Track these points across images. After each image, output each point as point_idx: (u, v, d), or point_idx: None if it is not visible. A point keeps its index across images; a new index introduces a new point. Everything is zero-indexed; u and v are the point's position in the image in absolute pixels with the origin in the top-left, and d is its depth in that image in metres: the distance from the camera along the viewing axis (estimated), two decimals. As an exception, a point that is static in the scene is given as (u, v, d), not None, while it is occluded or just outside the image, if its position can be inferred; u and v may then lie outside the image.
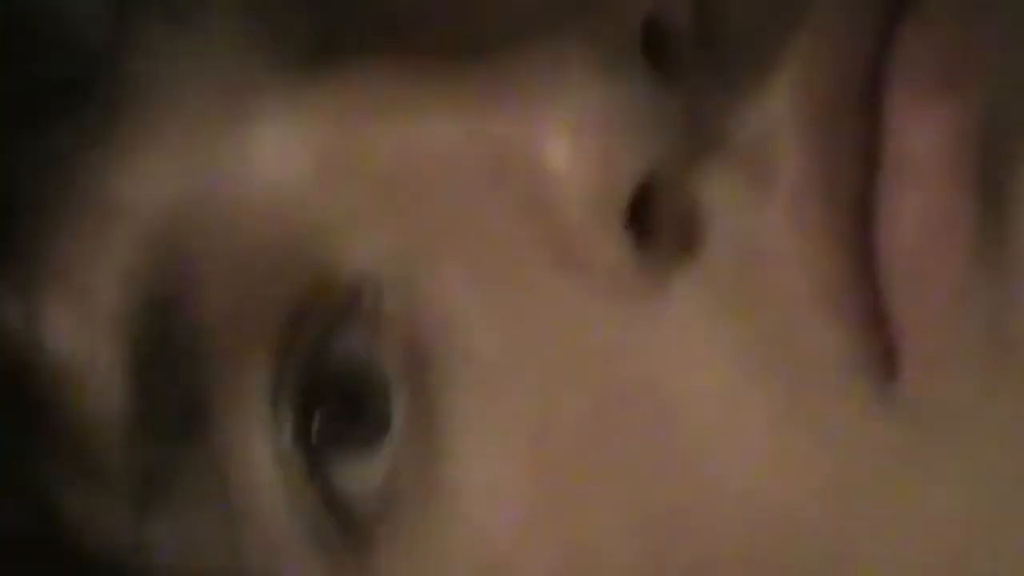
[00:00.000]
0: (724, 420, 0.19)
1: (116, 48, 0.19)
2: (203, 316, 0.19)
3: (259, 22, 0.20)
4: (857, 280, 0.18)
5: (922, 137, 0.18)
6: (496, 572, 0.19)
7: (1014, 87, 0.19)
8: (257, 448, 0.20)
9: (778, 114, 0.18)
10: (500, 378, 0.19)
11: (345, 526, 0.20)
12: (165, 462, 0.19)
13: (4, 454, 0.19)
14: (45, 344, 0.19)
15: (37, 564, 0.19)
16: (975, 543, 0.19)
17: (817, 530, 0.19)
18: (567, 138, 0.18)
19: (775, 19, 0.19)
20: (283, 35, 0.20)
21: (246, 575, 0.20)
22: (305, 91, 0.19)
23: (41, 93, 0.19)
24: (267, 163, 0.19)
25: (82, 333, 0.19)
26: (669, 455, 0.19)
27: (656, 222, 0.18)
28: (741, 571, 0.19)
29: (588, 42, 0.18)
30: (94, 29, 0.19)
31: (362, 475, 0.20)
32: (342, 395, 0.20)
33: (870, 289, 0.18)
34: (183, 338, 0.19)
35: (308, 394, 0.20)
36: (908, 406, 0.19)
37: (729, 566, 0.20)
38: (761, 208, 0.18)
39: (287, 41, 0.19)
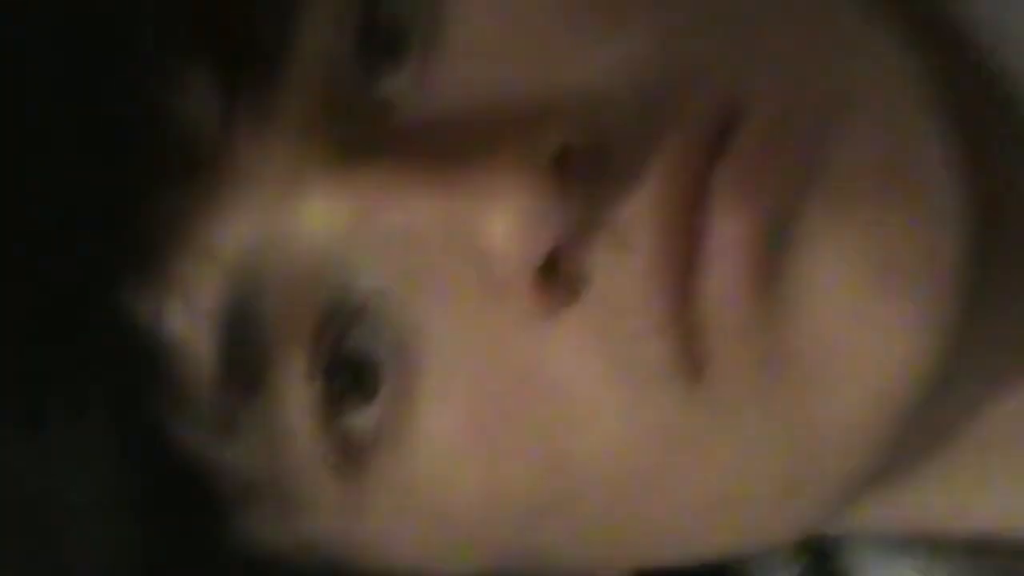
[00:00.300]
0: (591, 401, 0.29)
1: (221, 140, 0.29)
2: (266, 316, 0.29)
3: (311, 126, 0.30)
4: (680, 317, 0.28)
5: (729, 228, 0.28)
6: (444, 486, 0.30)
7: (793, 200, 0.28)
8: (296, 400, 0.29)
9: (639, 209, 0.28)
10: (451, 367, 0.29)
11: (348, 454, 0.30)
12: (237, 408, 0.30)
13: (138, 403, 0.29)
14: (167, 330, 0.29)
15: (159, 477, 0.29)
16: (739, 485, 0.29)
17: (646, 471, 0.29)
18: (502, 226, 0.27)
19: (640, 147, 0.28)
20: (324, 136, 0.30)
21: (284, 485, 0.31)
22: (335, 178, 0.29)
23: (172, 170, 0.29)
24: (313, 220, 0.29)
25: (190, 325, 0.29)
26: (556, 423, 0.29)
27: (556, 276, 0.28)
28: (601, 495, 0.30)
29: (519, 164, 0.27)
30: (209, 128, 0.29)
31: (360, 421, 0.30)
32: (351, 369, 0.30)
33: (688, 323, 0.28)
34: (253, 330, 0.29)
35: (330, 368, 0.30)
36: (708, 400, 0.28)
37: (595, 493, 0.30)
38: (625, 268, 0.28)
39: (326, 141, 0.29)
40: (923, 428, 0.32)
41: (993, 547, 0.36)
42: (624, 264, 0.28)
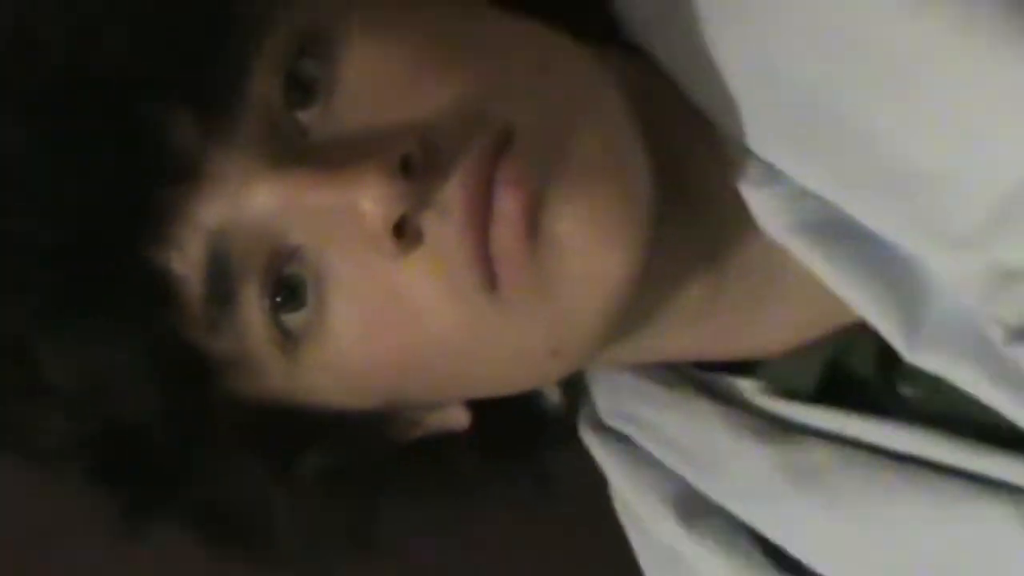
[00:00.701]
0: (429, 304, 0.47)
1: (201, 154, 0.46)
2: (232, 260, 0.47)
3: (257, 144, 0.48)
4: (480, 254, 0.46)
5: (505, 203, 0.46)
6: (345, 358, 0.48)
7: (544, 183, 0.46)
8: (254, 309, 0.48)
9: (452, 193, 0.45)
10: (346, 286, 0.47)
11: (288, 340, 0.48)
12: (219, 316, 0.48)
13: (159, 315, 0.48)
14: (174, 271, 0.47)
15: (177, 358, 0.48)
16: (521, 350, 0.48)
17: (466, 344, 0.48)
18: (369, 203, 0.45)
19: (453, 156, 0.45)
20: (264, 150, 0.48)
21: (250, 361, 0.49)
22: (271, 178, 0.46)
23: (171, 173, 0.46)
24: (259, 203, 0.46)
25: (188, 268, 0.47)
26: (410, 318, 0.47)
27: (404, 231, 0.46)
28: (440, 359, 0.49)
29: (378, 167, 0.45)
30: (195, 146, 0.46)
31: (294, 320, 0.48)
32: (287, 289, 0.48)
33: (485, 258, 0.46)
34: (225, 269, 0.47)
35: (274, 288, 0.48)
36: (500, 301, 0.47)
37: (437, 358, 0.49)
38: (446, 227, 0.46)
39: (266, 153, 0.47)
40: (639, 304, 0.51)
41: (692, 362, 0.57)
42: (445, 224, 0.46)
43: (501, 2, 0.52)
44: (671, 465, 0.57)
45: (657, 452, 0.57)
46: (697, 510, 0.56)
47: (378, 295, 0.48)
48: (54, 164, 0.46)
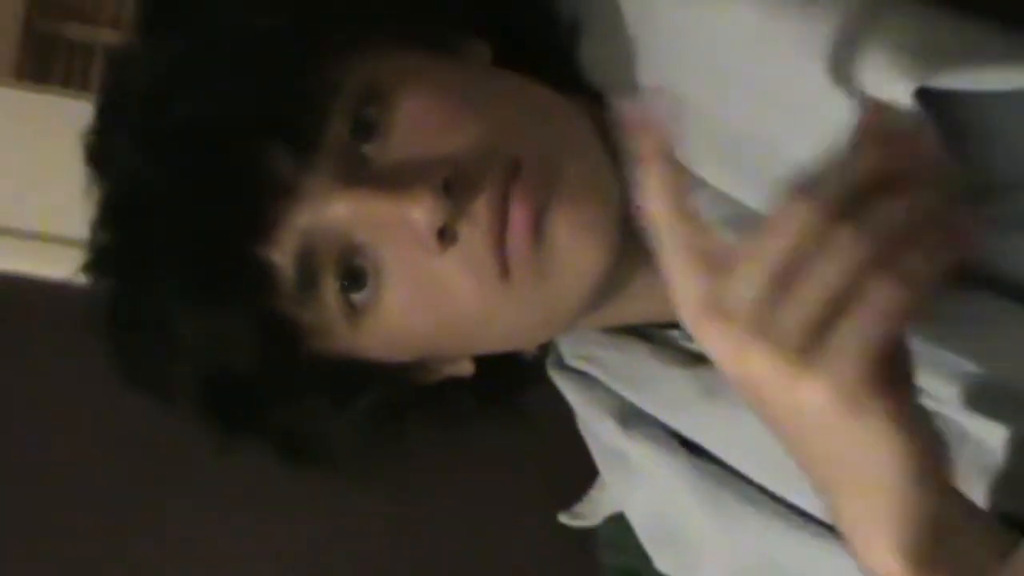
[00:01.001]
0: (462, 288, 0.65)
1: (295, 179, 0.64)
2: (315, 255, 0.65)
3: (333, 170, 0.65)
4: (498, 252, 0.64)
5: (517, 215, 0.64)
6: (395, 326, 0.67)
7: (547, 198, 0.64)
8: (330, 290, 0.66)
9: (479, 207, 0.64)
10: (398, 275, 0.65)
11: (353, 313, 0.66)
12: (305, 297, 0.65)
13: (264, 294, 0.66)
14: (275, 264, 0.64)
15: (278, 325, 0.66)
16: (521, 323, 0.68)
17: (487, 317, 0.66)
18: (419, 213, 0.63)
19: (480, 181, 0.64)
20: (339, 175, 0.65)
21: (327, 328, 0.67)
22: (344, 196, 0.64)
23: (275, 193, 0.64)
24: (335, 213, 0.64)
25: (284, 261, 0.64)
26: (447, 300, 0.66)
27: (445, 233, 0.63)
28: (468, 327, 0.67)
29: (424, 188, 0.63)
30: (291, 173, 0.64)
31: (358, 298, 0.66)
32: (353, 276, 0.66)
33: (502, 255, 0.64)
34: (310, 262, 0.65)
35: (343, 274, 0.66)
36: (510, 286, 0.65)
37: (466, 327, 0.67)
38: (476, 232, 0.64)
39: (340, 177, 0.65)
40: (610, 286, 0.69)
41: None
42: (474, 230, 0.64)
43: (504, 64, 0.71)
44: (615, 389, 0.75)
45: (605, 380, 0.76)
46: (635, 420, 0.74)
47: (421, 280, 0.66)
48: (191, 188, 0.65)
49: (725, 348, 0.50)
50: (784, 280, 0.48)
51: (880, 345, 0.48)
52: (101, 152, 0.69)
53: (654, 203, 0.52)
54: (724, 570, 0.72)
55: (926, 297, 0.48)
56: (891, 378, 0.50)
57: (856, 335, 0.48)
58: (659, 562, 0.76)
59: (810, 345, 0.48)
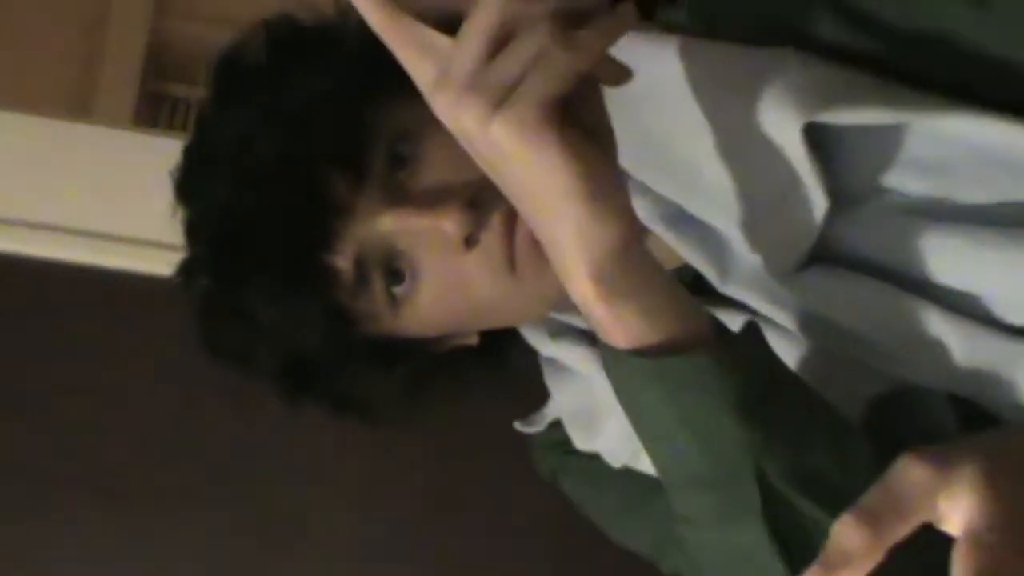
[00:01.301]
0: (481, 281, 0.85)
1: (351, 200, 0.85)
2: (368, 260, 0.85)
3: (378, 193, 0.86)
4: (507, 252, 0.84)
5: (522, 226, 0.85)
6: (428, 311, 0.87)
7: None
8: (378, 285, 0.86)
9: (495, 222, 0.84)
10: (431, 272, 0.86)
11: (394, 302, 0.87)
12: (359, 291, 0.86)
13: (328, 289, 0.88)
14: (339, 267, 0.85)
15: (338, 313, 0.87)
16: (526, 307, 0.90)
17: (498, 302, 0.87)
18: (450, 225, 0.83)
19: (492, 199, 0.83)
20: (383, 197, 0.87)
21: (375, 315, 0.88)
22: (388, 213, 0.85)
23: (336, 212, 0.85)
24: (381, 227, 0.84)
25: (345, 266, 0.84)
26: (470, 291, 0.86)
27: (470, 240, 0.84)
28: (486, 311, 0.89)
29: (454, 206, 0.83)
30: (348, 196, 0.85)
31: (399, 290, 0.86)
32: (394, 273, 0.86)
33: (510, 254, 0.84)
34: (364, 265, 0.86)
35: (386, 273, 0.86)
36: (517, 280, 0.85)
37: (484, 311, 0.89)
38: (492, 237, 0.84)
39: (384, 199, 0.86)
40: None
41: None
42: (491, 237, 0.84)
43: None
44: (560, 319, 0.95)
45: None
46: (562, 332, 0.94)
47: (449, 276, 0.86)
48: (273, 209, 0.85)
49: (446, 110, 0.68)
50: (490, 50, 0.65)
51: (552, 95, 0.66)
52: (194, 182, 0.89)
53: (371, 18, 0.69)
54: (619, 422, 0.90)
55: (602, 65, 0.68)
56: (564, 124, 0.67)
57: (534, 87, 0.65)
58: (577, 441, 0.97)
59: (503, 96, 0.65)
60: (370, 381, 0.93)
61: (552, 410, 1.02)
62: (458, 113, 0.67)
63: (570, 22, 0.66)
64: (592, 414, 0.96)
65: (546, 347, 0.97)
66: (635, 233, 0.73)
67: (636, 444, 0.80)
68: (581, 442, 0.99)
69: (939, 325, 0.76)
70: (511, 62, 0.65)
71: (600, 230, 0.70)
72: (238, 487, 1.70)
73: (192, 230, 0.90)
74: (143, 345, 1.56)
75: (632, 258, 0.72)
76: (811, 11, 0.82)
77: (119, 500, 1.68)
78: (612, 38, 0.68)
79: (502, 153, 0.68)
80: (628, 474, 0.96)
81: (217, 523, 1.72)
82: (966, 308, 0.77)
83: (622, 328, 0.73)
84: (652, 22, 0.89)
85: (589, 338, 0.92)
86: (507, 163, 0.69)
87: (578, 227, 0.70)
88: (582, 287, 0.72)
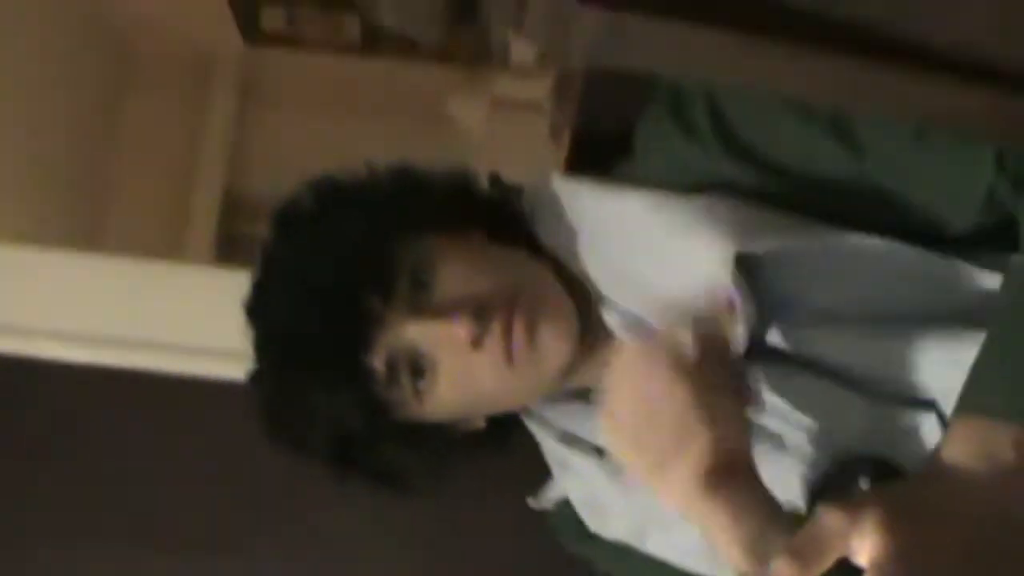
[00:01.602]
0: (487, 374, 1.10)
1: (383, 313, 1.10)
2: (397, 361, 1.12)
3: (404, 308, 1.12)
4: (507, 349, 1.10)
5: (518, 329, 1.10)
6: (445, 402, 1.13)
7: (534, 322, 1.12)
8: (405, 380, 1.12)
9: (495, 326, 1.09)
10: (447, 368, 1.11)
11: (418, 393, 1.12)
12: (391, 385, 1.12)
13: (364, 383, 1.13)
14: (374, 366, 1.11)
15: (370, 400, 1.13)
16: (520, 393, 1.16)
17: (500, 392, 1.13)
18: (462, 331, 1.09)
19: (493, 309, 1.09)
20: (409, 311, 1.13)
21: (401, 402, 1.13)
22: (413, 323, 1.11)
23: (371, 322, 1.11)
24: (407, 335, 1.10)
25: (378, 366, 1.11)
26: (476, 382, 1.12)
27: (476, 342, 1.09)
28: (489, 399, 1.16)
29: (465, 315, 1.09)
30: (380, 311, 1.11)
31: (421, 385, 1.12)
32: (416, 371, 1.12)
33: (509, 351, 1.09)
34: (393, 366, 1.11)
35: (412, 371, 1.12)
36: (515, 371, 1.10)
37: (487, 399, 1.16)
38: (493, 339, 1.09)
39: (410, 312, 1.14)
40: (570, 366, 1.15)
41: None
42: (493, 339, 1.09)
43: (494, 240, 1.19)
44: (559, 425, 1.22)
45: (553, 419, 1.22)
46: (571, 441, 1.18)
47: (460, 372, 1.11)
48: (323, 323, 1.12)
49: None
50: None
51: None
52: (261, 306, 1.16)
53: None
54: (624, 520, 1.18)
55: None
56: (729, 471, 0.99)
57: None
58: (590, 523, 1.21)
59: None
60: (401, 458, 1.19)
61: (556, 492, 1.27)
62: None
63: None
64: (595, 504, 1.22)
65: (558, 451, 1.21)
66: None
67: (643, 534, 1.14)
68: (595, 526, 1.23)
69: (857, 403, 1.04)
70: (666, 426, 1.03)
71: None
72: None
73: (259, 343, 1.16)
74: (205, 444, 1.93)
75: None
76: (733, 168, 1.09)
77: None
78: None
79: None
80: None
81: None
82: (875, 388, 1.03)
83: None
84: (610, 175, 1.17)
85: (596, 450, 1.17)
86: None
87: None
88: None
